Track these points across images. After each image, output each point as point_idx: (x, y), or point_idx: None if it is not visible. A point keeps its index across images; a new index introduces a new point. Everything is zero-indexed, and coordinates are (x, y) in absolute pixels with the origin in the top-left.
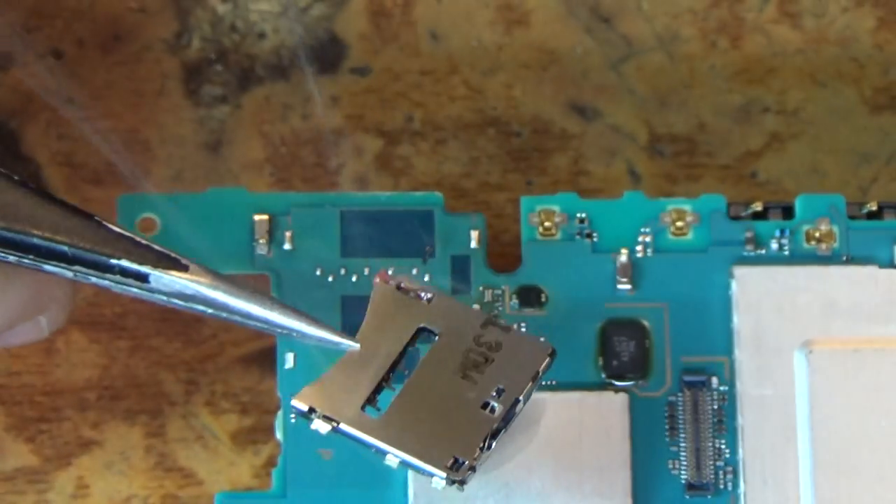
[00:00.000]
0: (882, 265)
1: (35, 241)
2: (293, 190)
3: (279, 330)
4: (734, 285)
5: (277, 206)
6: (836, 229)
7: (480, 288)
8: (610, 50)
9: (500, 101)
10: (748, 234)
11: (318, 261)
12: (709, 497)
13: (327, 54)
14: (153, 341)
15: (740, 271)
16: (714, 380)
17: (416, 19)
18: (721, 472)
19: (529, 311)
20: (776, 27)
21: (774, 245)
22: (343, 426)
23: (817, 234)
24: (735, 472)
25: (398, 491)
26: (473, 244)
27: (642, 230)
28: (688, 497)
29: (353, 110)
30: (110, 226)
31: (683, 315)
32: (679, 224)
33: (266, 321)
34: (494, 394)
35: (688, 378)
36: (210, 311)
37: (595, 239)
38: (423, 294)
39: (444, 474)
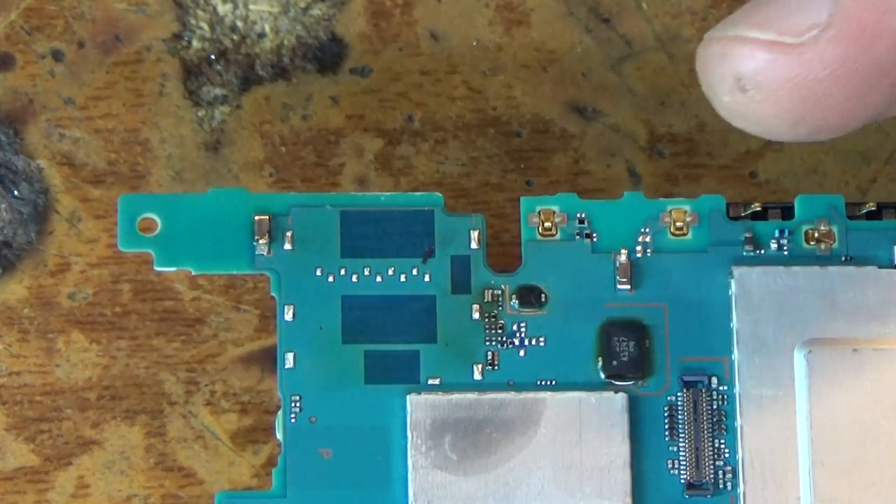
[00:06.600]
0: (882, 265)
1: None
2: (293, 190)
3: None
4: (734, 285)
5: (277, 206)
6: (835, 229)
7: (480, 288)
8: (610, 50)
9: (500, 101)
10: (748, 235)
11: (318, 261)
12: (708, 497)
13: (327, 54)
14: (153, 341)
15: (740, 271)
16: (714, 380)
17: (416, 19)
18: (721, 472)
19: (529, 311)
20: None
21: (774, 245)
22: None
23: (817, 235)
24: (734, 472)
25: (398, 491)
26: (473, 244)
27: (642, 230)
28: (687, 497)
29: (353, 110)
30: None
31: (683, 315)
32: (679, 224)
33: None
34: None
35: (687, 378)
36: None
37: (595, 239)
38: None
39: None
